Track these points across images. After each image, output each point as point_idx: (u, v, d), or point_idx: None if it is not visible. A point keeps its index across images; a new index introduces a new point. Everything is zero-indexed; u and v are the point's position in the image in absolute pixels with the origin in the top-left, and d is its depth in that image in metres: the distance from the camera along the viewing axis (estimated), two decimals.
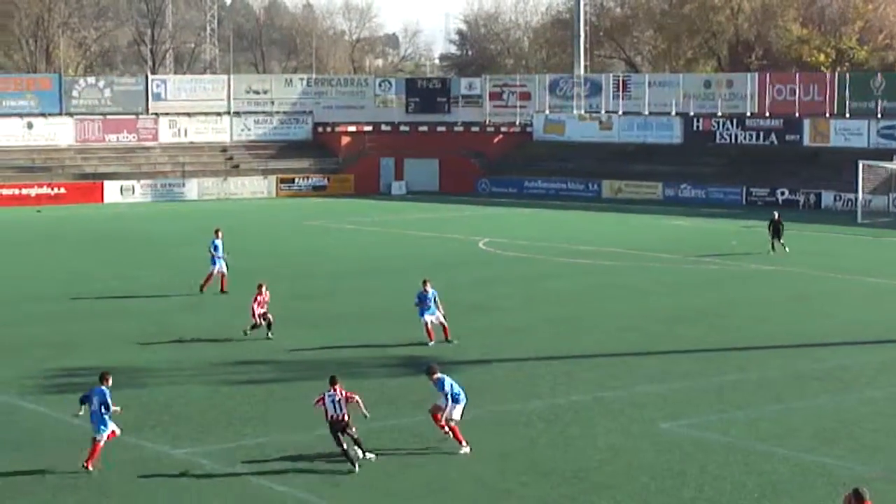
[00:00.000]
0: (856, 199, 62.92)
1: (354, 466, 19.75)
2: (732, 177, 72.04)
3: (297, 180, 79.17)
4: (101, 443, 19.66)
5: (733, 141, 76.00)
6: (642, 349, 29.49)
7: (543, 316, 33.97)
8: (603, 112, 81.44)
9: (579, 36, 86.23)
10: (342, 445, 19.85)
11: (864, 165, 62.56)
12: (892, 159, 63.57)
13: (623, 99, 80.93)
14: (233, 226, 60.38)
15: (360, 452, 20.11)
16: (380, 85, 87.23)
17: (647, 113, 79.71)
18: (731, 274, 42.78)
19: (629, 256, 46.98)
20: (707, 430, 22.23)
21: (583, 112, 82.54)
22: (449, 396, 20.83)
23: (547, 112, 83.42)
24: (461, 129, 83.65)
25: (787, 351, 29.37)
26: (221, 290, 37.12)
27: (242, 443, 21.32)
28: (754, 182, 70.83)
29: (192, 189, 76.40)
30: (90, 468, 19.48)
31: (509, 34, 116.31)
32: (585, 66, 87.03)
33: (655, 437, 21.75)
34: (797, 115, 74.14)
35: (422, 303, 29.56)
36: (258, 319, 30.30)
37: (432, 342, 29.24)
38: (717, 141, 76.49)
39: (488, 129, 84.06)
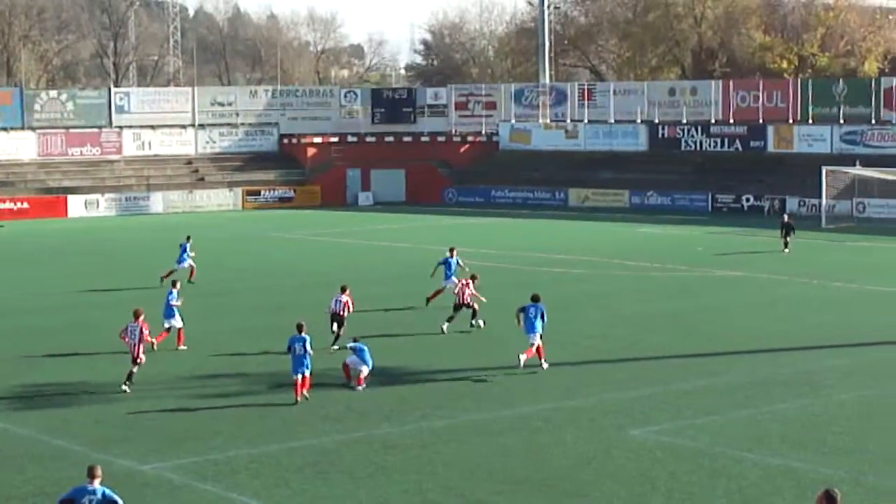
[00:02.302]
0: (820, 205, 63.37)
1: (334, 345, 29.09)
2: (698, 184, 72.39)
3: (263, 192, 78.96)
4: (299, 380, 24.53)
5: (698, 148, 76.37)
6: (611, 356, 29.58)
7: (511, 325, 33.94)
8: (568, 121, 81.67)
9: (544, 45, 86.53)
10: (333, 330, 29.52)
11: (827, 171, 63.02)
12: (854, 164, 64.05)
13: (588, 107, 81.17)
14: (199, 239, 60.25)
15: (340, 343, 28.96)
16: (345, 96, 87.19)
17: (612, 121, 79.98)
18: (698, 280, 42.97)
19: (597, 264, 47.11)
20: (676, 437, 22.30)
21: (548, 121, 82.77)
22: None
23: (513, 121, 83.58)
24: (427, 139, 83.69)
25: (754, 356, 29.52)
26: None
27: (211, 457, 21.20)
28: (719, 189, 71.19)
29: (158, 202, 76.07)
30: (301, 399, 24.49)
31: (474, 43, 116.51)
32: (550, 75, 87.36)
33: (625, 443, 21.81)
34: (761, 121, 74.61)
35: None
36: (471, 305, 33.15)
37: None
38: (683, 148, 76.83)
39: (454, 138, 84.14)
